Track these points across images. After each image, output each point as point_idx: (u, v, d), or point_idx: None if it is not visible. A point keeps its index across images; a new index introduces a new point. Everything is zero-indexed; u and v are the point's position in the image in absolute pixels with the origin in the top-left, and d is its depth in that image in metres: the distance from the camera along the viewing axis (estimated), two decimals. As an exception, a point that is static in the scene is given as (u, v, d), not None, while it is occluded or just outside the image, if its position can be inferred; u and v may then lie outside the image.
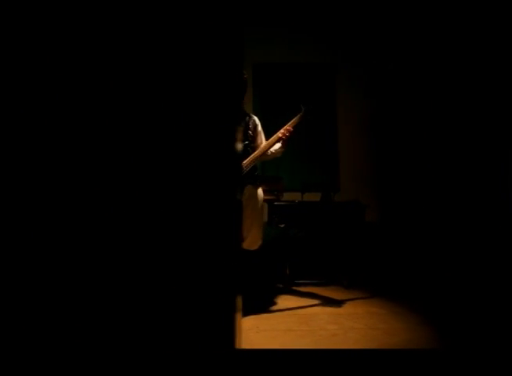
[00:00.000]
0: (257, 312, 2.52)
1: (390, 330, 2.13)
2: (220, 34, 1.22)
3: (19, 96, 1.21)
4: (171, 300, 1.17)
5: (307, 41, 4.72)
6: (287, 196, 3.54)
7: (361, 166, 4.54)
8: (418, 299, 2.86)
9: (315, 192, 3.78)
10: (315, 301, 2.87)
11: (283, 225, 3.36)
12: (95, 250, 1.18)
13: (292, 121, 2.77)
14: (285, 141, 2.76)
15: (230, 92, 1.21)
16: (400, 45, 4.42)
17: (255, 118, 2.91)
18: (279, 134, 2.74)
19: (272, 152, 2.84)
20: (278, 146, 2.82)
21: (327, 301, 2.86)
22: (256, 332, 2.11)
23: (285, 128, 2.75)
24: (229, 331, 1.15)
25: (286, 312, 2.59)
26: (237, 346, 1.18)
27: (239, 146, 1.29)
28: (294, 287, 3.34)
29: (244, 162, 2.67)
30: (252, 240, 2.68)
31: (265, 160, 2.99)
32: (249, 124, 2.84)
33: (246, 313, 2.35)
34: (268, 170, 4.49)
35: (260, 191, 2.77)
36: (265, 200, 2.91)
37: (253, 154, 2.73)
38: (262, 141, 2.89)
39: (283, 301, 2.90)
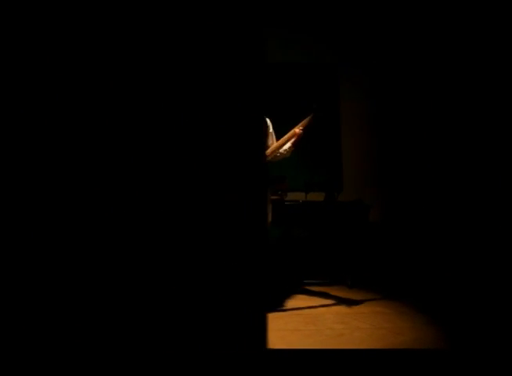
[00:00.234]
0: (263, 311, 2.53)
1: (396, 329, 2.14)
2: (248, 37, 1.25)
3: (20, 96, 1.21)
4: (204, 300, 1.18)
5: (309, 41, 4.72)
6: (291, 196, 3.55)
7: (364, 166, 4.55)
8: (422, 299, 2.88)
9: (318, 192, 3.79)
10: (321, 301, 2.88)
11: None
12: (124, 247, 1.18)
13: (303, 122, 2.77)
14: (296, 141, 2.77)
15: (257, 95, 1.23)
16: (403, 44, 4.42)
17: (267, 119, 2.92)
18: (290, 134, 2.75)
19: (281, 152, 2.84)
20: (288, 146, 2.82)
21: (332, 301, 2.88)
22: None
23: (298, 128, 2.75)
24: (261, 331, 1.16)
25: (292, 311, 2.61)
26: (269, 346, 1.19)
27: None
28: (299, 287, 3.35)
29: None
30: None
31: (274, 161, 2.99)
32: None
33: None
34: (271, 170, 4.49)
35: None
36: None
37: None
38: (274, 142, 2.89)
39: (289, 300, 2.92)
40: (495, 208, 3.26)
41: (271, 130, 2.92)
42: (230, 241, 1.19)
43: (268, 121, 2.92)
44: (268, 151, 2.75)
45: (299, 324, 2.29)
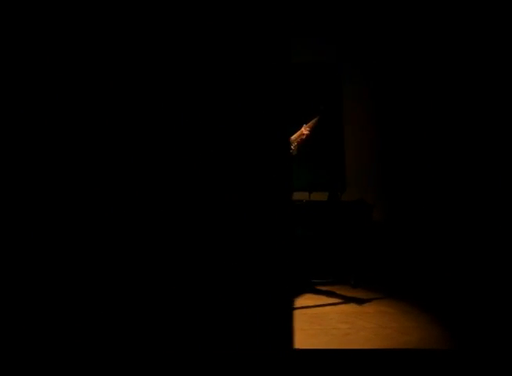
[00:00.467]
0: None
1: (401, 328, 2.15)
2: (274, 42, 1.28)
3: (20, 96, 1.21)
4: (235, 300, 1.19)
5: (311, 41, 4.71)
6: (294, 195, 3.55)
7: (367, 165, 4.54)
8: (426, 298, 2.88)
9: (322, 191, 3.79)
10: (325, 300, 2.89)
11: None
12: (150, 246, 1.20)
13: (310, 123, 2.77)
14: (302, 141, 2.78)
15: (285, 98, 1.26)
16: (407, 44, 4.42)
17: None
18: (298, 134, 2.75)
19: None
20: (294, 144, 2.82)
21: (336, 300, 2.88)
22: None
23: (306, 129, 2.75)
24: (288, 331, 1.17)
25: (296, 311, 2.61)
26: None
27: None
28: (307, 287, 3.35)
29: None
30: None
31: None
32: None
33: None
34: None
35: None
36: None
37: None
38: None
39: (292, 299, 2.92)
40: (501, 205, 3.26)
41: None
42: (262, 241, 1.20)
43: None
44: None
45: (304, 324, 2.29)
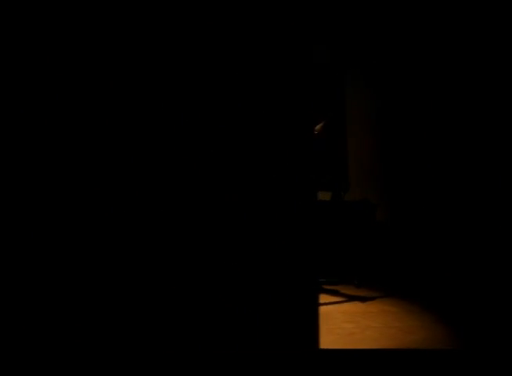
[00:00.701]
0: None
1: (406, 328, 2.17)
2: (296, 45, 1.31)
3: (20, 96, 1.21)
4: (262, 299, 1.20)
5: (315, 42, 4.72)
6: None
7: (370, 165, 4.56)
8: (430, 297, 2.90)
9: (325, 191, 3.81)
10: (328, 300, 2.91)
11: None
12: (171, 246, 1.21)
13: (317, 127, 2.78)
14: None
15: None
16: (410, 45, 4.43)
17: None
18: None
19: None
20: None
21: (341, 300, 2.91)
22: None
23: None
24: (313, 331, 1.17)
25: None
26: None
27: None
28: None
29: None
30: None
31: None
32: None
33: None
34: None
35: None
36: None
37: None
38: None
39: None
40: (504, 205, 3.27)
41: None
42: (288, 240, 1.22)
43: None
44: None
45: (309, 323, 2.31)
